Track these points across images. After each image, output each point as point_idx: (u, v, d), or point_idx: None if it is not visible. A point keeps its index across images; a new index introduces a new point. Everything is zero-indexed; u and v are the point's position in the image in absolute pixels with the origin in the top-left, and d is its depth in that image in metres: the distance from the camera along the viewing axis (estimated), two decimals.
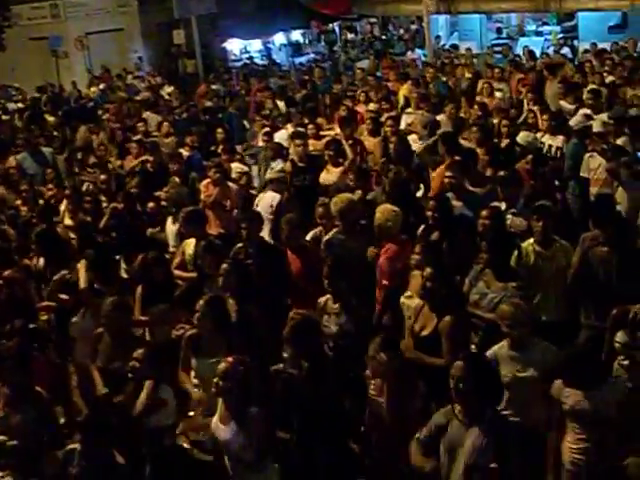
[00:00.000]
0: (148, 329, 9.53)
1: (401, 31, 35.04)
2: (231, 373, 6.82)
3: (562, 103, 15.43)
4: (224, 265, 8.94)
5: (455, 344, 7.65)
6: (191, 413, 9.55)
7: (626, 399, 6.65)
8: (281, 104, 19.23)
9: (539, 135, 13.44)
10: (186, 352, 8.30)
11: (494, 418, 6.07)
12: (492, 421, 6.01)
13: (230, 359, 6.93)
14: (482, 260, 8.61)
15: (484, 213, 9.39)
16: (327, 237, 10.19)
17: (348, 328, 8.29)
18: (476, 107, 15.85)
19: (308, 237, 10.43)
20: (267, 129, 15.75)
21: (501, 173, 10.84)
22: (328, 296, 8.58)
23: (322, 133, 15.19)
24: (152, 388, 7.65)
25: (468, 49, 25.57)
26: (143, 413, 7.60)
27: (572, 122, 14.47)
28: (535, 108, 14.95)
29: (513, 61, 21.72)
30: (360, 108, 17.45)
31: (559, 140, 13.17)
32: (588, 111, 14.43)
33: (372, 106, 16.96)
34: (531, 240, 9.06)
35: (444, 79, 20.28)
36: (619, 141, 12.53)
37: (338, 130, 14.75)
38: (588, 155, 12.29)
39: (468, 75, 20.55)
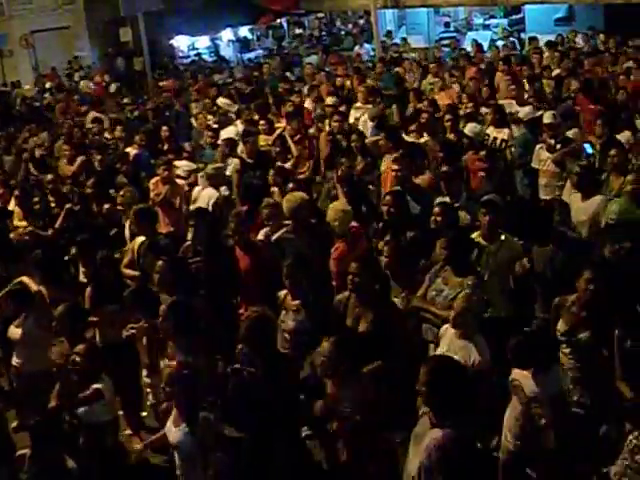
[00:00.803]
0: (98, 330, 9.45)
1: (349, 26, 35.03)
2: (176, 378, 6.80)
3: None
4: (159, 263, 8.95)
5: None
6: (144, 413, 9.58)
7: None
8: (224, 101, 19.13)
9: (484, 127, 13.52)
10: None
11: (456, 422, 6.01)
12: (454, 425, 5.96)
13: (175, 363, 6.90)
14: (441, 256, 8.60)
15: (437, 209, 9.38)
16: (276, 236, 10.17)
17: (306, 325, 8.27)
18: (425, 102, 15.87)
19: (260, 236, 10.41)
20: (213, 126, 15.66)
21: (444, 168, 10.83)
22: (285, 291, 8.56)
23: (277, 126, 15.19)
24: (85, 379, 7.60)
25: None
26: (75, 403, 7.52)
27: (521, 113, 14.57)
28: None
29: (466, 55, 21.79)
30: (307, 103, 17.44)
31: (504, 133, 13.25)
32: None
33: (330, 100, 16.91)
34: (476, 234, 9.09)
35: (392, 73, 20.27)
36: (569, 133, 12.68)
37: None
38: (539, 146, 12.38)
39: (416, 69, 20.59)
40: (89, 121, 18.76)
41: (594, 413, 7.26)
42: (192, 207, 12.10)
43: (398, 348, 7.75)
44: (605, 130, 12.38)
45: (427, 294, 8.48)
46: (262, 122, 15.04)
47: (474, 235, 9.06)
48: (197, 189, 12.74)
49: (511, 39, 26.07)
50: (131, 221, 11.01)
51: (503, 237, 8.95)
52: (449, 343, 7.41)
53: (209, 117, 17.24)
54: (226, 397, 7.36)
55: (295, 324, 8.32)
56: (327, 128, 14.81)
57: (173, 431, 6.91)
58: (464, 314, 7.32)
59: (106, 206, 12.26)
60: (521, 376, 6.93)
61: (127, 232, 11.58)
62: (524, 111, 14.59)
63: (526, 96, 15.25)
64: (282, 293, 8.61)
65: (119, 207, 12.01)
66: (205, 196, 12.27)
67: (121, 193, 12.07)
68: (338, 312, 8.40)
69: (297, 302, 8.40)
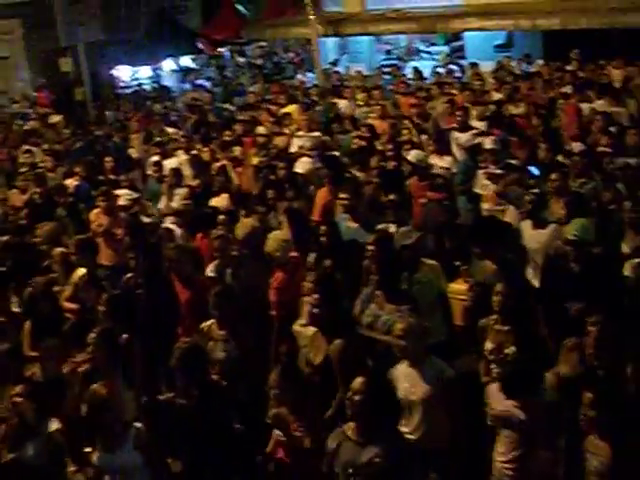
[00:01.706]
0: (39, 364, 9.27)
1: (290, 55, 35.10)
2: (101, 406, 6.75)
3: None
4: (104, 296, 8.94)
5: (346, 369, 7.56)
6: (89, 449, 9.39)
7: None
8: (169, 130, 19.06)
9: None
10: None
11: (391, 436, 6.02)
12: (389, 439, 5.96)
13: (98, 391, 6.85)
14: (372, 282, 8.57)
15: (371, 239, 9.38)
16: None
17: (235, 355, 8.23)
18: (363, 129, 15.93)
19: (210, 268, 10.35)
20: (156, 157, 15.58)
21: (391, 196, 10.84)
22: (212, 321, 8.54)
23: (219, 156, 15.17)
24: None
25: (358, 71, 25.66)
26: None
27: (462, 140, 14.68)
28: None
29: (406, 82, 21.94)
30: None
31: (446, 161, 13.32)
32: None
33: (262, 129, 16.94)
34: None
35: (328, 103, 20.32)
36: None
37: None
38: (481, 172, 12.46)
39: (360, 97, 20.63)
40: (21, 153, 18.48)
41: None
42: None
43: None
44: (549, 154, 12.54)
45: (362, 320, 8.45)
46: (205, 150, 15.03)
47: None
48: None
49: (451, 66, 26.28)
50: (72, 252, 10.86)
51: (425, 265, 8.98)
52: (404, 379, 7.28)
53: (151, 149, 17.08)
54: (160, 426, 7.28)
55: (224, 354, 8.26)
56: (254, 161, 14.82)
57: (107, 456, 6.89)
58: (406, 336, 7.22)
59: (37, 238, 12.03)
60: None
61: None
62: (464, 137, 14.71)
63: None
64: (206, 324, 8.62)
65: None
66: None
67: (43, 227, 11.93)
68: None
69: (223, 332, 8.36)
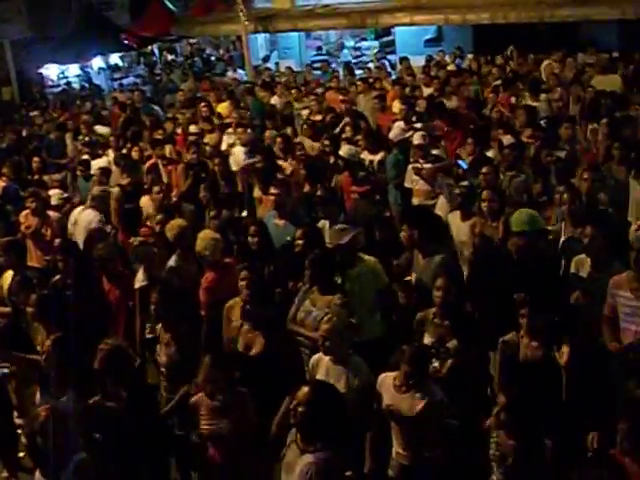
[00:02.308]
0: None
1: (220, 51, 34.96)
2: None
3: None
4: (32, 296, 8.71)
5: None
6: (21, 454, 9.25)
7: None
8: (104, 129, 18.81)
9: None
10: None
11: (325, 447, 5.95)
12: (322, 449, 5.91)
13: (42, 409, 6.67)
14: (306, 277, 8.55)
15: (299, 233, 9.35)
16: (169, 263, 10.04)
17: (177, 358, 8.10)
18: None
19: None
20: (85, 157, 15.37)
21: (319, 192, 10.82)
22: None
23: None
24: None
25: (288, 67, 25.64)
26: None
27: (391, 135, 14.72)
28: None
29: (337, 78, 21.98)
30: (180, 130, 17.32)
31: (379, 156, 13.35)
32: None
33: (193, 128, 16.81)
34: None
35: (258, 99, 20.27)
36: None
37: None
38: (411, 167, 12.49)
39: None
40: None
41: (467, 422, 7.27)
42: (72, 227, 12.10)
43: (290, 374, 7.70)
44: (475, 148, 12.61)
45: (297, 316, 8.44)
46: (135, 149, 14.87)
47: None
48: (77, 210, 12.53)
49: (383, 61, 26.39)
50: None
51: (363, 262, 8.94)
52: (325, 372, 7.33)
53: (83, 148, 16.85)
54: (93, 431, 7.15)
55: (166, 358, 8.17)
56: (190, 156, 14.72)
57: None
58: (330, 337, 7.21)
59: None
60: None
61: None
62: (394, 132, 14.76)
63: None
64: (159, 327, 8.50)
65: None
66: (86, 218, 12.07)
67: None
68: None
69: (168, 335, 8.26)
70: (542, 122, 14.27)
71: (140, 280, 9.76)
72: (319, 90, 20.48)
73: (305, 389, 6.07)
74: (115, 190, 13.06)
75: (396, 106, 16.49)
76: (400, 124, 15.06)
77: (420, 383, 6.85)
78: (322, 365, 7.38)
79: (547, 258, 8.95)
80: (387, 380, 7.06)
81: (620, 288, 7.80)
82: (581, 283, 8.47)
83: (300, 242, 9.18)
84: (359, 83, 19.97)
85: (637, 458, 5.38)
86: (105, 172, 13.90)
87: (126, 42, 30.78)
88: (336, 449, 5.84)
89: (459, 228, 10.21)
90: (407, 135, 14.24)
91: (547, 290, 7.86)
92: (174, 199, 12.98)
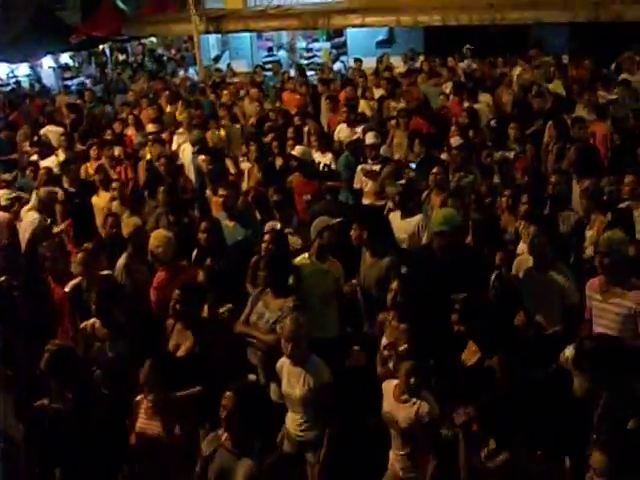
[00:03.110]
0: None
1: (172, 52, 34.80)
2: None
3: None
4: None
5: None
6: None
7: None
8: (51, 128, 18.62)
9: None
10: None
11: (263, 449, 5.99)
12: (261, 452, 5.94)
13: None
14: (260, 279, 8.54)
15: (267, 237, 9.35)
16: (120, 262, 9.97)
17: (122, 353, 8.12)
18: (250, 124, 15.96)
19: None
20: (33, 157, 15.23)
21: (274, 197, 10.82)
22: (93, 320, 8.41)
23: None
24: None
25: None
26: None
27: (342, 135, 14.77)
28: (306, 127, 15.21)
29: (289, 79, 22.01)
30: (129, 131, 17.21)
31: (328, 157, 13.39)
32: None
33: (151, 127, 16.74)
34: (305, 255, 9.08)
35: (211, 98, 20.24)
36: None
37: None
38: (360, 167, 12.55)
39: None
40: None
41: None
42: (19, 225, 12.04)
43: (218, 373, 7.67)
44: (422, 149, 12.71)
45: (249, 319, 8.43)
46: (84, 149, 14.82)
47: (299, 258, 9.07)
48: (25, 208, 12.47)
49: (338, 63, 26.54)
50: None
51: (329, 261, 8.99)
52: (287, 375, 7.37)
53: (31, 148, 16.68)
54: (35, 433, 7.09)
55: (112, 354, 8.17)
56: (148, 156, 14.65)
57: None
58: (288, 340, 7.25)
59: None
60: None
61: None
62: (344, 133, 14.82)
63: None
64: (88, 323, 8.49)
65: None
66: (29, 220, 12.05)
67: None
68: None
69: (105, 332, 8.27)
70: (492, 122, 14.40)
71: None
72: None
73: (228, 393, 6.10)
74: (60, 192, 12.99)
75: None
76: (344, 125, 15.18)
77: (417, 395, 6.88)
78: (284, 368, 7.42)
79: (469, 256, 9.04)
80: (389, 387, 7.13)
81: (593, 291, 7.92)
82: (521, 283, 8.61)
83: (270, 246, 9.17)
84: (318, 84, 20.09)
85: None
86: (50, 172, 13.77)
87: (74, 41, 30.47)
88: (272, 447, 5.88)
89: (399, 227, 10.31)
90: (356, 136, 14.32)
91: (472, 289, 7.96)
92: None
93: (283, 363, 7.44)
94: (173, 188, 12.19)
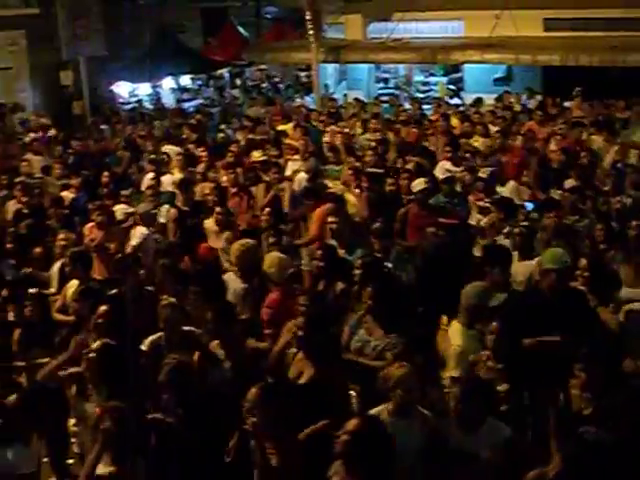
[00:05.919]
0: (25, 374, 9.27)
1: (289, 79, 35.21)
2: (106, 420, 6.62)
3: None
4: (102, 308, 8.75)
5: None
6: (71, 461, 9.36)
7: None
8: (174, 148, 18.96)
9: None
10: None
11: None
12: None
13: (107, 405, 6.75)
14: (364, 307, 8.60)
15: (357, 262, 9.54)
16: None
17: (230, 376, 8.13)
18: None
19: None
20: (152, 174, 15.59)
21: (376, 225, 11.02)
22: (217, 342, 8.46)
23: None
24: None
25: (356, 99, 25.71)
26: None
27: (439, 171, 14.80)
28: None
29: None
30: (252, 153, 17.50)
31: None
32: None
33: (257, 155, 17.01)
34: None
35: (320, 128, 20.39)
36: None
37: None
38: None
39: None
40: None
41: None
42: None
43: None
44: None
45: (350, 346, 8.47)
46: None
47: None
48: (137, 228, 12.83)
49: (456, 98, 26.56)
50: (66, 264, 10.88)
51: None
52: None
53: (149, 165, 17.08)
54: (149, 446, 7.15)
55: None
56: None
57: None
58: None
59: (37, 249, 12.01)
60: None
61: (55, 276, 11.46)
62: (442, 169, 14.84)
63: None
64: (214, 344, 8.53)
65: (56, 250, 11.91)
66: (137, 234, 12.49)
67: (62, 237, 11.97)
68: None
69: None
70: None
71: None
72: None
73: (354, 420, 5.99)
74: (172, 211, 13.31)
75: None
76: (445, 164, 15.27)
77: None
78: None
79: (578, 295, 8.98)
80: None
81: None
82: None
83: (359, 272, 9.30)
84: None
85: None
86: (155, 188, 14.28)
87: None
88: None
89: (516, 269, 10.19)
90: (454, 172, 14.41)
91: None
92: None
93: (381, 412, 7.04)
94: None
